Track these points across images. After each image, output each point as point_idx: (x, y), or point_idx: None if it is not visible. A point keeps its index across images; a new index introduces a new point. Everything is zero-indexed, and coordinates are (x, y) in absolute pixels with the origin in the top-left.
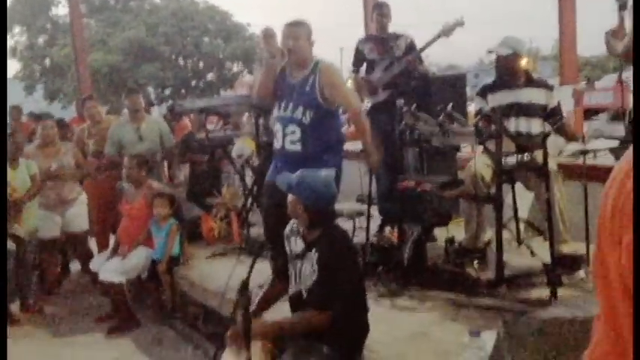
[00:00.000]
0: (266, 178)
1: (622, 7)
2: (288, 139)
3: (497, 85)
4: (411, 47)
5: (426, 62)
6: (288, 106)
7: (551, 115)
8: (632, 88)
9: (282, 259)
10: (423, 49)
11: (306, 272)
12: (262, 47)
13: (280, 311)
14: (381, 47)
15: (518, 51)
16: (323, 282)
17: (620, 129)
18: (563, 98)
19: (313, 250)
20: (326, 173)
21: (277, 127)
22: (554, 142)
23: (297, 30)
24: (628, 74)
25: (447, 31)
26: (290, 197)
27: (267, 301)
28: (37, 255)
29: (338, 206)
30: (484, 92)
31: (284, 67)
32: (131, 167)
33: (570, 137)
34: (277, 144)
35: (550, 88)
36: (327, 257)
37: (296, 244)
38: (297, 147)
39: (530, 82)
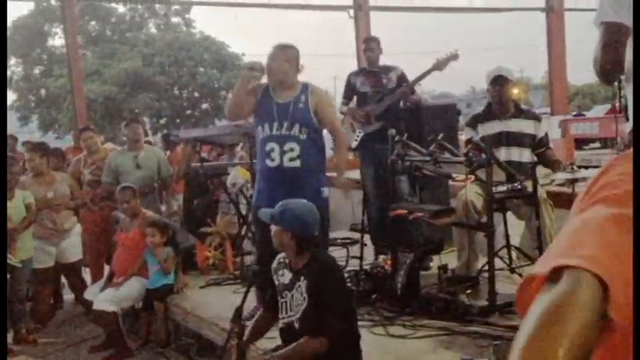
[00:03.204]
0: (254, 203)
1: None
2: (287, 156)
3: (486, 116)
4: (401, 79)
5: (418, 90)
6: (283, 125)
7: (538, 145)
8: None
9: (270, 289)
10: (416, 82)
11: (296, 302)
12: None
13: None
14: (373, 80)
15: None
16: (314, 308)
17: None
18: (551, 128)
19: (302, 278)
20: (306, 201)
21: (272, 146)
22: (544, 170)
23: (279, 52)
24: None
25: (440, 65)
26: (274, 228)
27: (257, 332)
28: (31, 285)
29: (331, 235)
30: (474, 122)
31: (267, 89)
32: (126, 200)
33: (552, 166)
34: (272, 162)
35: (538, 119)
36: (316, 282)
37: (284, 276)
38: (297, 163)
39: (520, 112)
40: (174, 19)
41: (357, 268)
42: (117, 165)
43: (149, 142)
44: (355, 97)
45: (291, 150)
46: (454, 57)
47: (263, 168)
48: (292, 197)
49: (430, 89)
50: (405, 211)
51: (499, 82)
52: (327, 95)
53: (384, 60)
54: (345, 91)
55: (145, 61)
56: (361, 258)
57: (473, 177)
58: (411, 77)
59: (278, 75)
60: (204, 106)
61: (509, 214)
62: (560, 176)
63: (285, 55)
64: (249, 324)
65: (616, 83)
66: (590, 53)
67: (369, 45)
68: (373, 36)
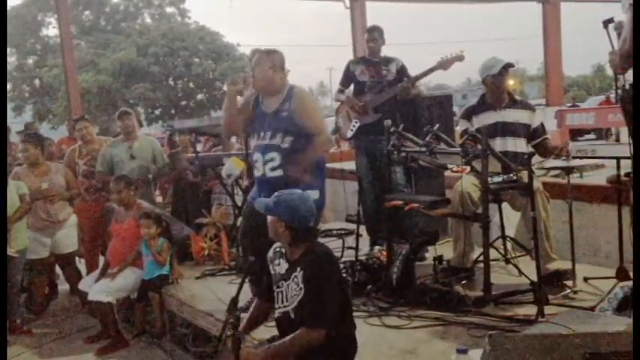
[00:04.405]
0: (247, 201)
1: (607, 23)
2: (268, 166)
3: (481, 107)
4: (401, 71)
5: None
6: (267, 134)
7: (534, 135)
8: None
9: (264, 280)
10: (418, 78)
11: (292, 292)
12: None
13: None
14: (372, 70)
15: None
16: (310, 298)
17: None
18: (547, 119)
19: (298, 269)
20: (301, 191)
21: (257, 156)
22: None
23: (260, 58)
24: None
25: (445, 64)
26: (269, 218)
27: (254, 322)
28: (26, 276)
29: (327, 226)
30: (468, 114)
31: (257, 98)
32: (118, 190)
33: (554, 152)
34: (258, 172)
35: (532, 109)
36: (312, 273)
37: (280, 266)
38: (279, 173)
39: (514, 102)
40: (169, 9)
41: (353, 258)
42: (112, 155)
43: None
44: (352, 85)
45: (272, 160)
46: (459, 58)
47: (255, 175)
48: None
49: (426, 80)
50: (401, 202)
51: (504, 72)
52: (310, 99)
53: (382, 53)
54: (343, 78)
55: (139, 52)
56: (357, 249)
57: (468, 168)
58: (407, 69)
59: (261, 82)
60: (200, 96)
61: (505, 205)
62: (555, 164)
63: (270, 61)
64: (246, 314)
65: (613, 75)
66: (585, 44)
67: (372, 35)
68: (376, 26)
